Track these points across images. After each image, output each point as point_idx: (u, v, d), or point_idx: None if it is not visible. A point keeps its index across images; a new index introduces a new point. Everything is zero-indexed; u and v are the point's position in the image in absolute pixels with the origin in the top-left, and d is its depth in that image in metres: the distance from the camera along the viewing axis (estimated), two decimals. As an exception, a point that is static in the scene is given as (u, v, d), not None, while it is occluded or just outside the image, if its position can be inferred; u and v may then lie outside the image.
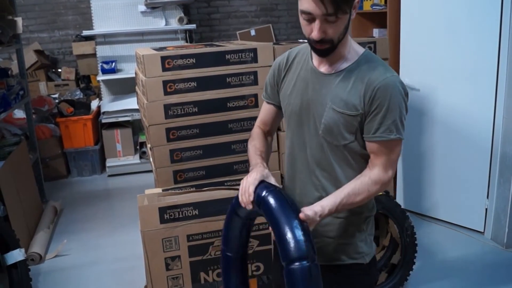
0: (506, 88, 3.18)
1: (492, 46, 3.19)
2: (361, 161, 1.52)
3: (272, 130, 1.78)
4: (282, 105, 1.65)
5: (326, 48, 1.42)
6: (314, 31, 1.38)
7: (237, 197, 1.52)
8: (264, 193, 1.42)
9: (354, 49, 1.50)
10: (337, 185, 1.51)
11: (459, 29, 3.34)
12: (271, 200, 1.40)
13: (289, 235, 1.33)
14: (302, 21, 1.41)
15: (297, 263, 1.31)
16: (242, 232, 1.64)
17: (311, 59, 1.55)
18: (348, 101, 1.44)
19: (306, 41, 1.48)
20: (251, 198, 1.44)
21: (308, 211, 1.39)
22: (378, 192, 1.48)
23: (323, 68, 1.51)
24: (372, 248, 1.63)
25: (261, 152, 1.63)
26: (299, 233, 1.33)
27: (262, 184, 1.46)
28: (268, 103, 1.72)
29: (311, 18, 1.37)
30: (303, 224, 1.35)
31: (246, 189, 1.46)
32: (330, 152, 1.51)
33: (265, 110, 1.74)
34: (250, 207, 1.45)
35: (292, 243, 1.32)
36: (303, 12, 1.37)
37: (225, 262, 1.70)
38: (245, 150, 2.18)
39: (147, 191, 2.52)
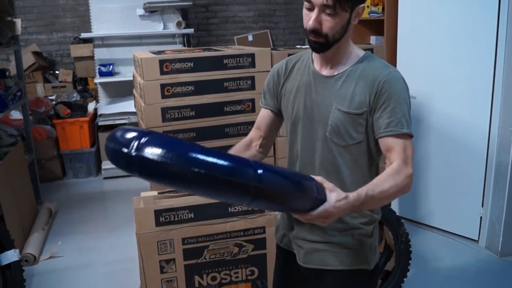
0: (502, 97, 3.20)
1: (488, 54, 3.21)
2: (368, 164, 1.53)
3: (266, 137, 1.71)
4: (284, 113, 1.65)
5: (321, 43, 1.44)
6: (310, 20, 1.41)
7: None
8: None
9: (355, 52, 1.53)
10: (343, 188, 1.41)
11: (456, 37, 3.37)
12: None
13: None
14: (304, 10, 1.44)
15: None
16: None
17: (312, 63, 1.57)
18: (353, 100, 1.46)
19: (303, 47, 1.50)
20: None
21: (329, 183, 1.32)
22: (405, 185, 1.38)
23: (325, 71, 1.53)
24: (376, 254, 1.63)
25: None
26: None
27: None
28: (266, 108, 1.71)
29: (311, 7, 1.41)
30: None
31: None
32: (337, 154, 1.51)
33: (261, 115, 1.73)
34: None
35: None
36: None
37: None
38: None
39: (143, 194, 2.52)
